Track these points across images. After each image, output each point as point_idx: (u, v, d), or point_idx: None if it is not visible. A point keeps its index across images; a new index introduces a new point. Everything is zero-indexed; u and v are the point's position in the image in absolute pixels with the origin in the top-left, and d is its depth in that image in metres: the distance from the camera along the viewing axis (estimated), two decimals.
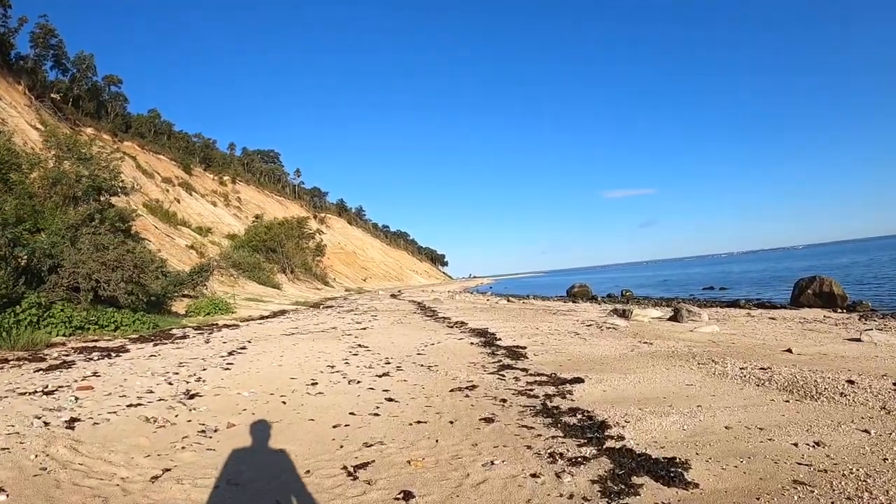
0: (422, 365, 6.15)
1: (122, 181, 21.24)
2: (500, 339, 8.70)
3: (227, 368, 6.09)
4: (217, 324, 13.08)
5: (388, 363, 6.34)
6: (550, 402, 4.57)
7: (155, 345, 8.73)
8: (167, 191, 50.99)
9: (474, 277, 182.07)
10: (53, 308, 11.15)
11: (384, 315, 15.39)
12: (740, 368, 6.44)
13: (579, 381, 5.43)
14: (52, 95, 49.52)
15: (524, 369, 5.97)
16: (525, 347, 7.69)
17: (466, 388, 4.96)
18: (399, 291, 48.24)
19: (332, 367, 6.12)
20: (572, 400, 4.70)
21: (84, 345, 9.42)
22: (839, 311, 15.67)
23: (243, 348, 7.82)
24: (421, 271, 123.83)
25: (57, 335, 10.61)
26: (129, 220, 25.96)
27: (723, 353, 7.67)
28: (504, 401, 4.49)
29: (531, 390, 4.95)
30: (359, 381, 5.26)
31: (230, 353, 7.22)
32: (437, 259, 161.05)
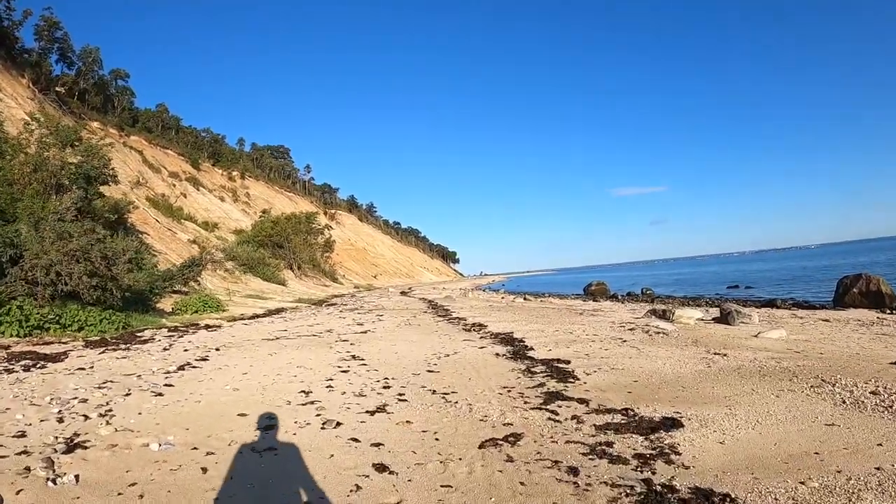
0: (434, 391, 4.30)
1: (112, 169, 19.74)
2: (532, 349, 6.82)
3: (160, 394, 4.32)
4: (199, 324, 11.41)
5: (387, 387, 4.50)
6: (652, 471, 2.69)
7: (103, 351, 7.03)
8: (174, 185, 49.93)
9: (485, 275, 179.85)
10: (11, 304, 9.60)
11: (391, 315, 13.58)
12: (871, 393, 4.59)
13: (675, 423, 3.54)
14: (57, 89, 48.69)
15: (582, 400, 4.09)
16: (569, 362, 5.80)
17: (505, 439, 3.10)
18: (409, 288, 46.52)
19: (308, 393, 4.30)
20: (685, 466, 2.82)
21: (29, 349, 7.80)
22: (889, 311, 13.87)
23: (203, 359, 6.05)
24: (432, 268, 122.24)
25: (11, 335, 9.05)
26: (123, 212, 24.62)
27: (823, 368, 5.80)
28: (574, 472, 2.62)
29: (610, 444, 3.07)
30: (338, 424, 3.42)
31: (180, 368, 5.46)
32: (448, 256, 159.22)
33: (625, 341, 7.93)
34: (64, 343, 8.76)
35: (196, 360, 6.00)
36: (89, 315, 10.50)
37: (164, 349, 7.02)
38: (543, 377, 4.97)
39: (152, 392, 4.41)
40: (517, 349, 6.75)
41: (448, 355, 6.22)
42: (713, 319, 12.02)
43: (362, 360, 5.89)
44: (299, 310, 16.73)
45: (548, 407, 3.84)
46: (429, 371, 5.17)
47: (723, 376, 5.47)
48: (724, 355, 6.70)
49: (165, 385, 4.68)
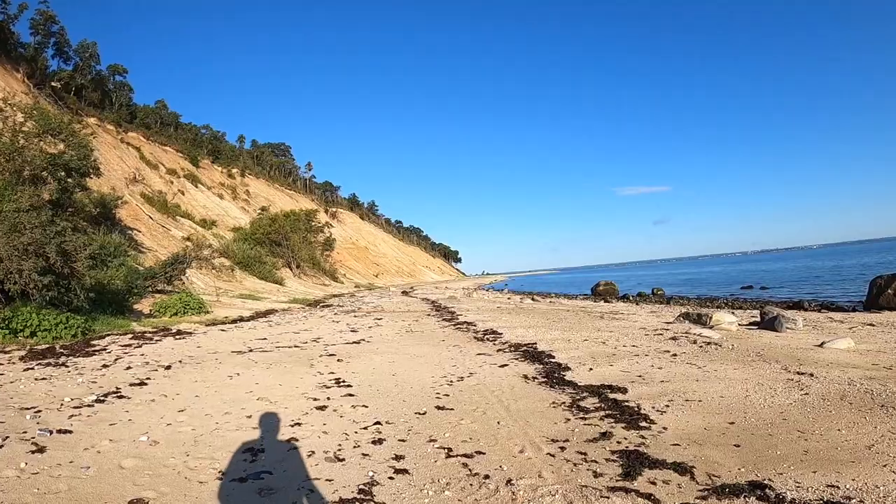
0: (448, 451, 2.83)
1: (95, 160, 18.37)
2: (567, 368, 5.35)
3: (41, 449, 2.87)
4: (171, 329, 9.99)
5: (379, 441, 3.04)
6: None
7: (29, 368, 5.59)
8: (171, 182, 48.71)
9: (487, 274, 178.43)
10: None
11: (390, 318, 12.13)
12: None
13: None
14: (53, 84, 47.53)
15: (681, 467, 2.63)
16: (625, 390, 4.34)
17: None
18: (411, 288, 45.05)
19: (256, 453, 2.85)
20: None
21: None
22: None
23: (141, 383, 4.60)
24: (434, 267, 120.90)
25: None
26: (111, 207, 23.26)
27: None
28: None
29: None
30: None
31: (100, 400, 4.02)
32: (450, 255, 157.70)
33: (675, 355, 6.47)
34: (6, 353, 7.35)
35: (131, 384, 4.55)
36: (43, 319, 9.09)
37: (105, 365, 5.58)
38: (602, 417, 3.51)
39: (33, 445, 2.96)
40: (549, 368, 5.28)
41: (462, 378, 4.75)
42: (753, 324, 10.64)
43: (348, 386, 4.42)
44: (291, 311, 15.29)
45: (636, 485, 2.38)
46: (438, 408, 3.70)
47: (835, 409, 4.05)
48: (811, 375, 5.27)
49: (61, 431, 3.23)
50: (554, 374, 4.95)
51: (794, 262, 64.76)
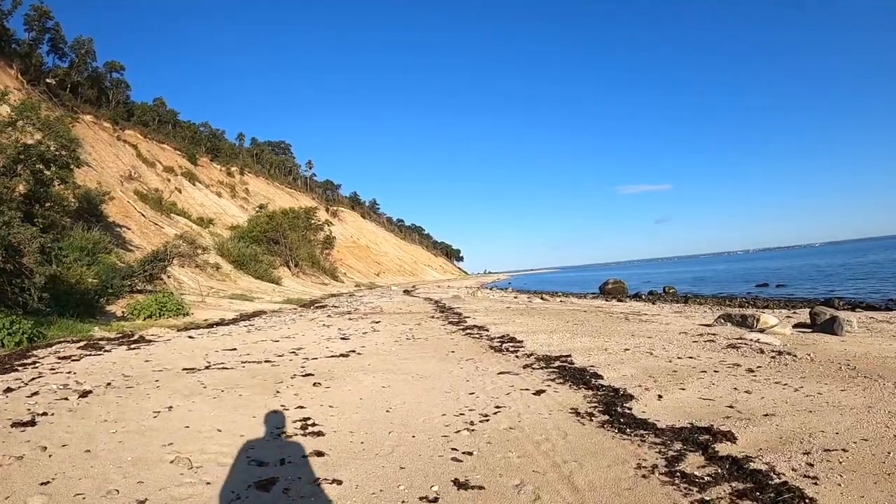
0: None
1: (74, 151, 16.97)
2: (629, 395, 3.91)
3: None
4: (133, 335, 8.59)
5: None
6: None
7: None
8: (168, 180, 47.50)
9: (489, 273, 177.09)
10: None
11: (389, 321, 10.69)
12: None
13: None
14: (48, 80, 46.35)
15: None
16: (734, 438, 2.90)
17: None
18: (413, 287, 43.61)
19: None
20: None
21: None
22: None
23: (28, 424, 3.18)
24: (436, 266, 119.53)
25: None
26: (96, 202, 21.90)
27: None
28: None
29: None
30: None
31: None
32: (452, 254, 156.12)
33: (751, 371, 5.06)
34: None
35: (15, 423, 3.13)
36: None
37: (8, 389, 4.17)
38: (732, 498, 2.09)
39: None
40: (604, 397, 3.83)
41: (486, 417, 3.30)
42: (801, 326, 9.32)
43: (319, 435, 2.96)
44: (281, 313, 13.88)
45: None
46: (458, 484, 2.26)
47: None
48: None
49: None
50: (615, 408, 3.50)
51: (799, 259, 63.35)
